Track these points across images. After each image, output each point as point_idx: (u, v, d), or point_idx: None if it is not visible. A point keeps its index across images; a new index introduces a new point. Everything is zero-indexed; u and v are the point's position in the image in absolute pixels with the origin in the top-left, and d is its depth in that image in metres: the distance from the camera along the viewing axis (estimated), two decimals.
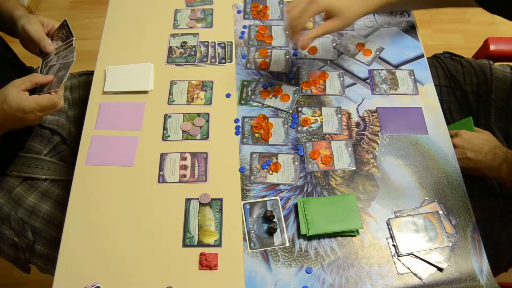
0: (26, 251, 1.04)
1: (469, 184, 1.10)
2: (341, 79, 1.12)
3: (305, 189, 0.95)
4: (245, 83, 1.11)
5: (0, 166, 1.05)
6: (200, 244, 0.88)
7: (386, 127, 1.04)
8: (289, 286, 0.84)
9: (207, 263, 0.85)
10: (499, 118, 1.17)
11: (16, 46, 1.15)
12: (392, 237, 0.89)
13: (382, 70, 1.14)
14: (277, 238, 0.89)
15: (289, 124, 1.04)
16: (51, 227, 1.04)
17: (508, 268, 1.10)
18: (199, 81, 1.11)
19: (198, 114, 1.05)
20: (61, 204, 1.04)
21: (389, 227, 0.90)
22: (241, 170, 0.97)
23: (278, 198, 0.94)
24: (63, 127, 1.17)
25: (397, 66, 1.15)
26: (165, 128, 1.03)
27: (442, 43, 2.31)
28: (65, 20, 1.03)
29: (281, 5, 1.26)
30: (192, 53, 1.16)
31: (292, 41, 1.00)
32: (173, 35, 1.19)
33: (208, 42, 1.18)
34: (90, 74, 1.27)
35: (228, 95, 1.08)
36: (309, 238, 0.89)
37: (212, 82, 1.10)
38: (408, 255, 0.87)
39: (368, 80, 1.12)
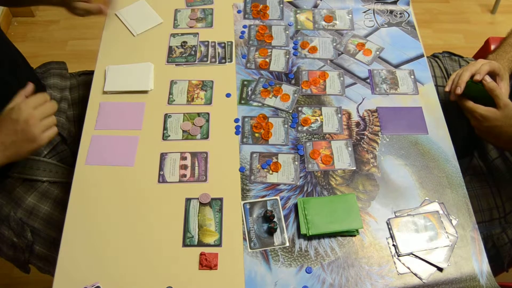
0: (25, 251, 1.04)
1: (470, 184, 1.10)
2: (341, 78, 1.12)
3: (305, 189, 0.95)
4: (245, 82, 1.11)
5: (2, 167, 1.05)
6: (200, 244, 0.88)
7: (386, 127, 1.04)
8: (289, 286, 0.84)
9: (207, 263, 0.85)
10: None
11: (23, 46, 1.14)
12: (392, 237, 0.89)
13: (382, 69, 1.14)
14: (277, 238, 0.89)
15: (289, 123, 1.04)
16: (50, 227, 1.04)
17: (509, 268, 1.09)
18: (199, 80, 1.11)
19: (198, 114, 1.05)
20: (61, 204, 1.04)
21: (389, 227, 0.90)
22: (241, 169, 0.97)
23: (278, 198, 0.94)
24: (63, 127, 1.16)
25: (397, 66, 1.15)
26: (165, 128, 1.03)
27: (442, 43, 2.31)
28: None
29: (281, 5, 1.26)
30: (192, 52, 1.15)
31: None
32: (173, 35, 1.19)
33: (208, 41, 1.18)
34: (89, 74, 1.27)
35: (228, 95, 1.08)
36: (309, 238, 0.89)
37: (212, 81, 1.10)
38: (408, 255, 0.87)
39: (368, 80, 1.12)
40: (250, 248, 0.88)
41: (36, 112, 0.89)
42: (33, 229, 1.03)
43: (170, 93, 1.08)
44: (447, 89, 1.06)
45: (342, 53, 1.17)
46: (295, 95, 1.09)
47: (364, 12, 1.25)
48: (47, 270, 1.09)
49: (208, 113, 1.05)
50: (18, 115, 0.88)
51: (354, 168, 0.98)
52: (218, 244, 0.88)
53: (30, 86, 0.96)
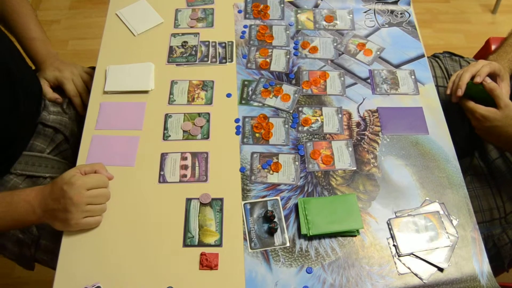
0: (31, 247, 1.04)
1: (470, 185, 1.10)
2: (342, 79, 1.12)
3: (306, 189, 0.95)
4: (246, 82, 1.11)
5: (4, 165, 1.05)
6: (201, 244, 0.88)
7: (387, 127, 1.04)
8: (289, 286, 0.84)
9: (207, 263, 0.85)
10: None
11: None
12: (392, 237, 0.89)
13: (382, 70, 1.14)
14: (277, 238, 0.89)
15: (290, 124, 1.04)
16: None
17: (509, 268, 1.09)
18: (199, 80, 1.11)
19: (199, 114, 1.05)
20: None
21: (390, 227, 0.90)
22: (242, 170, 0.97)
23: (278, 198, 0.94)
24: (66, 126, 1.17)
25: (398, 66, 1.15)
26: (165, 128, 1.03)
27: (443, 42, 2.31)
28: None
29: (282, 5, 1.26)
30: (193, 52, 1.15)
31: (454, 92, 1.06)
32: (173, 35, 1.19)
33: (209, 41, 1.18)
34: (91, 68, 1.27)
35: (228, 95, 1.08)
36: (310, 238, 0.89)
37: (212, 82, 1.10)
38: (409, 255, 0.87)
39: (368, 80, 1.12)
40: (251, 248, 0.88)
41: (86, 193, 0.85)
42: (38, 223, 1.03)
43: (171, 93, 1.08)
44: (448, 91, 1.06)
45: (343, 53, 1.17)
46: (296, 95, 1.09)
47: (365, 12, 1.25)
48: (53, 264, 1.08)
49: (208, 113, 1.05)
50: (68, 188, 0.84)
51: (355, 168, 0.98)
52: (219, 244, 0.88)
53: (99, 165, 0.93)
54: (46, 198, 0.86)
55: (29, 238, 1.03)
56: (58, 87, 1.19)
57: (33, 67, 1.21)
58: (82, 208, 0.85)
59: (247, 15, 1.24)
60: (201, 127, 1.03)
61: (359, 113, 1.06)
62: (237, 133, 1.02)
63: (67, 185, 0.85)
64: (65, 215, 0.85)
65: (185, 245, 0.88)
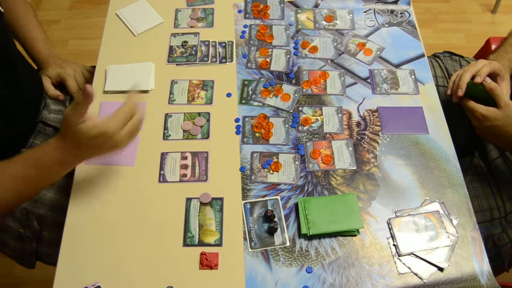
0: (33, 241, 1.03)
1: (470, 184, 1.10)
2: (342, 78, 1.12)
3: (306, 188, 0.95)
4: (246, 82, 1.11)
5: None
6: (201, 243, 0.88)
7: (387, 126, 1.04)
8: (289, 285, 0.84)
9: (207, 263, 0.85)
10: None
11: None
12: (392, 236, 0.89)
13: (383, 69, 1.14)
14: (277, 238, 0.89)
15: (290, 123, 1.04)
16: (56, 212, 1.02)
17: (509, 268, 1.10)
18: (199, 80, 1.11)
19: (199, 114, 1.05)
20: (65, 190, 1.03)
21: (390, 226, 0.90)
22: (242, 169, 0.97)
23: (278, 197, 0.94)
24: None
25: (398, 66, 1.15)
26: (165, 128, 1.03)
27: (443, 42, 2.31)
28: None
29: (282, 5, 1.26)
30: (193, 52, 1.16)
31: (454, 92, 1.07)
32: (173, 35, 1.19)
33: (209, 41, 1.18)
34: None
35: (228, 95, 1.08)
36: (310, 237, 0.89)
37: (212, 81, 1.10)
38: (409, 254, 0.87)
39: (369, 80, 1.12)
40: (251, 247, 0.88)
41: (123, 135, 0.85)
42: (39, 216, 1.03)
43: (171, 93, 1.08)
44: (448, 92, 1.07)
45: (343, 53, 1.17)
46: (296, 95, 1.09)
47: (365, 12, 1.25)
48: (55, 258, 1.07)
49: (208, 113, 1.05)
50: (107, 139, 0.83)
51: (355, 168, 0.98)
52: (219, 243, 0.88)
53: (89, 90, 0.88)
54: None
55: (30, 231, 1.02)
56: (59, 86, 1.19)
57: (35, 67, 1.21)
58: (125, 139, 0.85)
59: (247, 15, 1.24)
60: (201, 126, 1.03)
61: (359, 112, 1.06)
62: (237, 133, 1.02)
63: (102, 138, 0.83)
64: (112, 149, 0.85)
65: (185, 244, 0.88)
